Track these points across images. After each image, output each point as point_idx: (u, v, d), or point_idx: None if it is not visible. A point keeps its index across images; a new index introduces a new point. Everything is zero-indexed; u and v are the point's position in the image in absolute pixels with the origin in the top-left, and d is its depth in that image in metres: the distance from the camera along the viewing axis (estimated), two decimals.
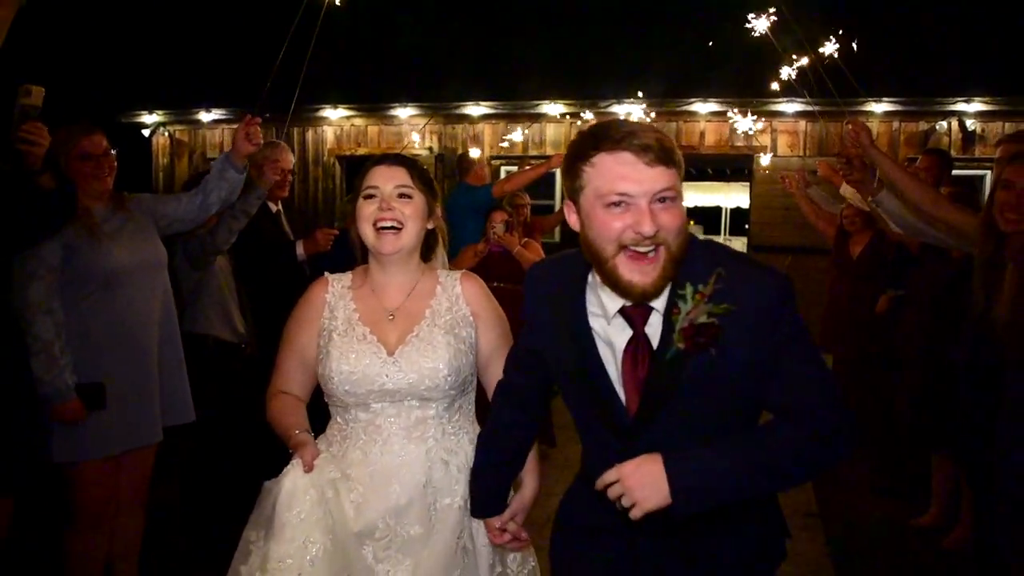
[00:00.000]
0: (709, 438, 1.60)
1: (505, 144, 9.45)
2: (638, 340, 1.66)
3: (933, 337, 3.90)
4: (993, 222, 2.80)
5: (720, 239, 18.52)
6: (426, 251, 2.21)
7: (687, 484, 1.53)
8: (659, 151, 1.56)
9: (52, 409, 2.76)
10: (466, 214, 6.41)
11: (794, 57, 5.81)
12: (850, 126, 3.23)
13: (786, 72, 5.84)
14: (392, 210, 2.06)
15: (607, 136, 1.59)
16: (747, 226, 10.95)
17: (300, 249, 4.18)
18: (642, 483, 1.54)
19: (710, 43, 8.35)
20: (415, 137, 10.03)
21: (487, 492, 2.03)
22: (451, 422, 2.13)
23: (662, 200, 1.57)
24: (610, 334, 1.69)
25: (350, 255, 2.23)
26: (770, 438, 1.59)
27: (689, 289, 1.58)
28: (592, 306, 1.71)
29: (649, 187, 1.55)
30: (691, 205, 18.05)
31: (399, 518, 2.02)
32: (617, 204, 1.57)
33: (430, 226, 2.17)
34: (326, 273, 2.24)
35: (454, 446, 2.11)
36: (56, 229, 2.73)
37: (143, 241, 3.09)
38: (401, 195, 2.08)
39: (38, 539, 3.01)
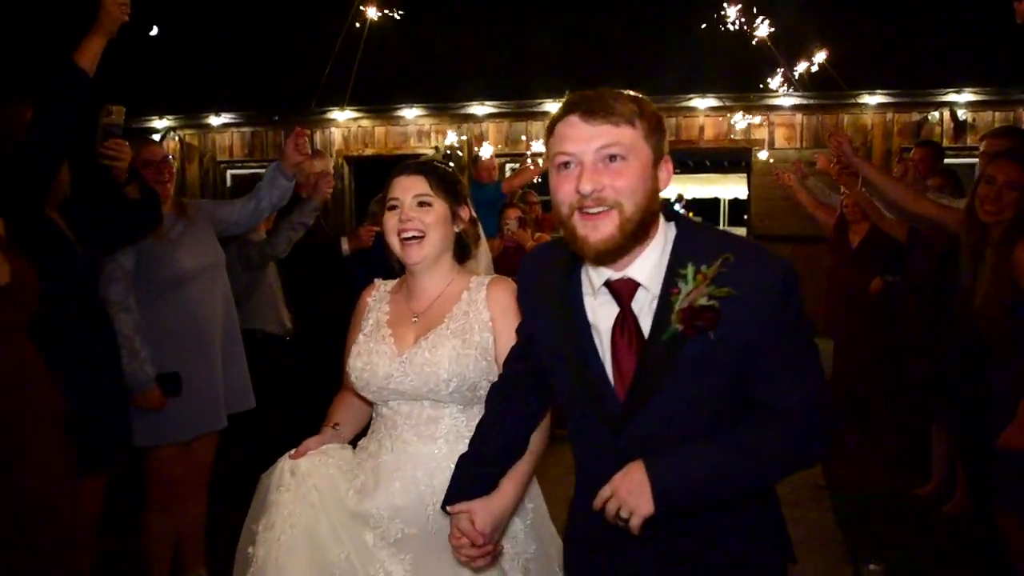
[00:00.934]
0: (699, 427, 1.58)
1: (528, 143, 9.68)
2: (625, 317, 1.60)
3: (927, 319, 4.19)
4: (976, 213, 3.10)
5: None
6: (460, 252, 2.22)
7: (668, 488, 1.51)
8: (607, 111, 1.53)
9: (134, 398, 3.02)
10: (478, 210, 6.69)
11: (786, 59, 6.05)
12: (832, 139, 3.53)
13: (781, 73, 6.12)
14: (412, 220, 2.08)
15: (564, 104, 1.59)
16: (746, 216, 11.23)
17: (345, 245, 4.48)
18: (631, 490, 1.52)
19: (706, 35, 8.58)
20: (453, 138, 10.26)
21: (457, 478, 1.90)
22: (467, 426, 2.10)
23: (611, 159, 1.53)
24: (597, 313, 1.64)
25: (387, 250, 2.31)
26: (752, 436, 1.56)
27: (690, 269, 1.53)
28: (583, 284, 1.67)
29: (589, 145, 1.53)
30: (689, 197, 18.32)
31: (394, 514, 2.04)
32: (566, 165, 1.56)
33: (457, 229, 2.18)
34: (375, 280, 2.33)
35: (464, 448, 2.03)
36: (145, 233, 3.01)
37: (205, 245, 3.37)
38: (421, 204, 2.10)
39: (117, 518, 3.28)
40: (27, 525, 2.12)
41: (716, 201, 18.16)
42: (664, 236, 1.62)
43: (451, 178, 2.16)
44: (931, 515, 4.33)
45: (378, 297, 2.27)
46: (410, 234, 2.09)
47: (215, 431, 3.40)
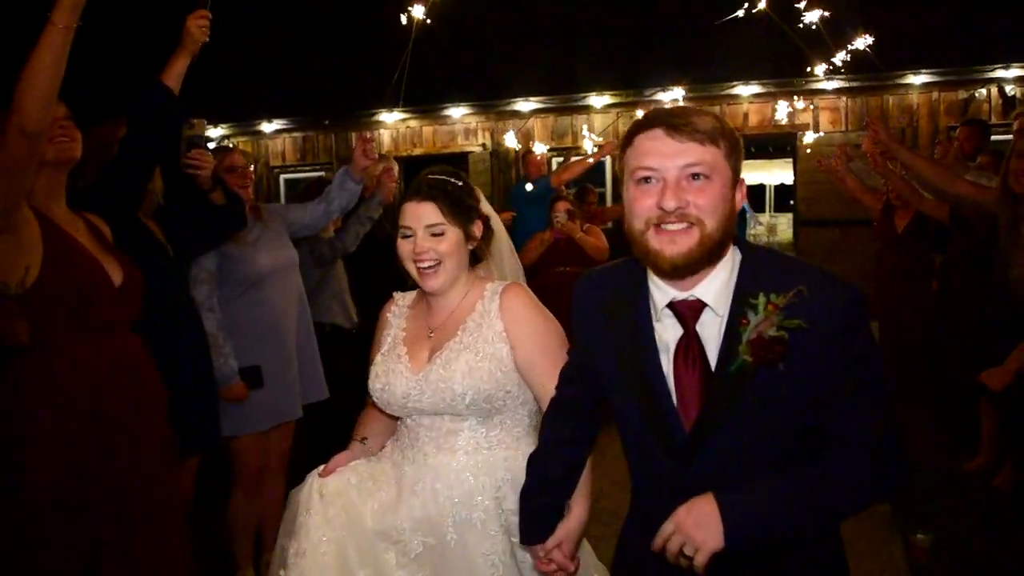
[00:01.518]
0: (767, 462, 1.53)
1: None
2: (689, 340, 1.57)
3: (971, 296, 4.28)
4: (1010, 187, 3.23)
5: (766, 216, 18.76)
6: (473, 260, 2.24)
7: (740, 524, 1.45)
8: (693, 128, 1.50)
9: (220, 391, 3.25)
10: (528, 205, 6.95)
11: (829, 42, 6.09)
12: (869, 129, 3.68)
13: (824, 57, 6.17)
14: (427, 251, 2.08)
15: (648, 118, 1.56)
16: (792, 202, 11.25)
17: None
18: (698, 524, 1.46)
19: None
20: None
21: (532, 515, 1.94)
22: (487, 437, 2.13)
23: (695, 177, 1.50)
24: (661, 336, 1.60)
25: None
26: (824, 471, 1.51)
27: (762, 299, 1.49)
28: (653, 302, 1.63)
29: (674, 161, 1.50)
30: None
31: (415, 524, 2.07)
32: (647, 180, 1.53)
33: (471, 247, 2.19)
34: (395, 293, 2.36)
35: (485, 461, 2.11)
36: (231, 235, 3.26)
37: (280, 246, 3.60)
38: (434, 234, 2.09)
39: (205, 502, 3.54)
40: (142, 504, 2.35)
41: (762, 187, 18.10)
42: (731, 259, 1.58)
43: (462, 197, 2.15)
44: (979, 489, 4.42)
45: (397, 313, 2.30)
46: (426, 264, 2.10)
47: (292, 420, 3.64)
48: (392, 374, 2.14)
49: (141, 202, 2.93)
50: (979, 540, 3.84)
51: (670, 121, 1.52)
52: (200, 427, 3.04)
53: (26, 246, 2.18)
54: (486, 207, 2.29)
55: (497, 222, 2.38)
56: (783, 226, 18.24)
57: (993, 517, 4.08)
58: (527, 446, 2.16)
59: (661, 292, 1.59)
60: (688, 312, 1.57)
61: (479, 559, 2.04)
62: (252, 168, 3.65)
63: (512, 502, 2.07)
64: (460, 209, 2.12)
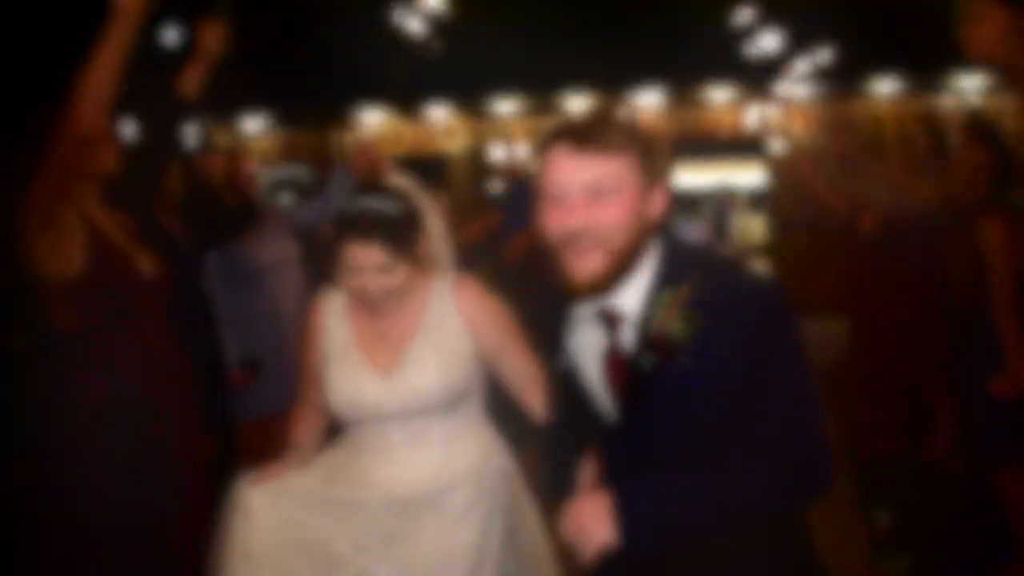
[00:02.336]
0: (687, 458, 1.48)
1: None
2: (614, 344, 1.56)
3: (929, 296, 4.57)
4: (954, 194, 3.52)
5: (741, 220, 19.03)
6: None
7: (633, 521, 1.39)
8: (597, 142, 1.45)
9: None
10: (515, 205, 7.16)
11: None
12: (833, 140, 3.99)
13: (794, 64, 6.44)
14: (378, 288, 2.04)
15: (555, 132, 1.51)
16: (763, 205, 11.52)
17: None
18: (586, 519, 1.41)
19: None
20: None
21: (557, 477, 1.85)
22: (456, 426, 2.17)
23: (600, 193, 1.45)
24: (593, 339, 1.59)
25: None
26: (736, 470, 1.44)
27: (664, 295, 1.48)
28: (582, 310, 1.62)
29: (574, 178, 1.46)
30: (709, 188, 18.58)
31: (394, 516, 2.08)
32: (553, 196, 1.48)
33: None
34: (321, 295, 2.29)
35: (459, 448, 2.15)
36: (244, 232, 3.44)
37: (279, 242, 3.79)
38: (383, 272, 2.03)
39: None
40: (177, 483, 2.55)
41: (734, 191, 18.39)
42: (652, 260, 1.55)
43: (405, 224, 2.05)
44: (938, 475, 4.68)
45: (334, 315, 2.21)
46: (379, 296, 2.08)
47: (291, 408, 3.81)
48: (357, 383, 2.11)
49: (157, 199, 3.10)
50: (936, 521, 4.09)
51: (574, 136, 1.47)
52: (214, 412, 3.20)
53: (68, 240, 2.37)
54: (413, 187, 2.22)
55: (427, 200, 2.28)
56: (756, 230, 18.47)
57: (949, 500, 4.33)
58: (486, 426, 2.26)
59: (591, 300, 1.59)
60: (610, 318, 1.56)
61: (460, 545, 2.07)
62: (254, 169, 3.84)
63: (490, 485, 2.15)
64: (406, 240, 2.05)
